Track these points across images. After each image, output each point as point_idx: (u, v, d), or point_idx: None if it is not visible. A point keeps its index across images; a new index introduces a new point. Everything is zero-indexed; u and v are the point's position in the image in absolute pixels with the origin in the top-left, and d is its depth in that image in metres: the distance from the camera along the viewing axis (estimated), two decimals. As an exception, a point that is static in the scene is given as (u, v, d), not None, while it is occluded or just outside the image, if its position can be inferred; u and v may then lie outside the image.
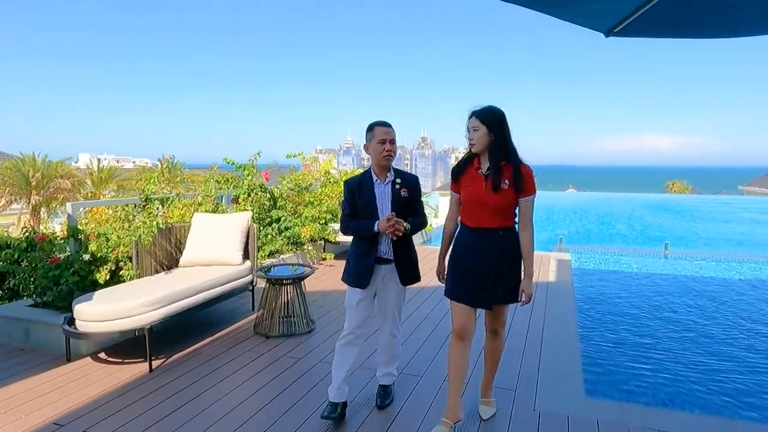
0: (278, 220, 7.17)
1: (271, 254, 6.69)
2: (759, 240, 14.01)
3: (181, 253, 4.96)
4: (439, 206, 13.44)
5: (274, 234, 6.93)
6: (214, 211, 5.90)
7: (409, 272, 3.06)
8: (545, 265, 7.48)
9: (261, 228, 6.89)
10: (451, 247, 2.89)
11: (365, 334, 3.11)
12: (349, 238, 3.09)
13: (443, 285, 2.93)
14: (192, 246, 4.84)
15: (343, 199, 3.08)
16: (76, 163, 35.39)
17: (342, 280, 3.11)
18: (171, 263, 4.93)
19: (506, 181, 2.63)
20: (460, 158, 2.93)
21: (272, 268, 4.82)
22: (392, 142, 2.96)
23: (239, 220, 5.03)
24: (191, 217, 5.23)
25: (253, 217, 5.72)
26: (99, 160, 35.38)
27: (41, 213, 26.00)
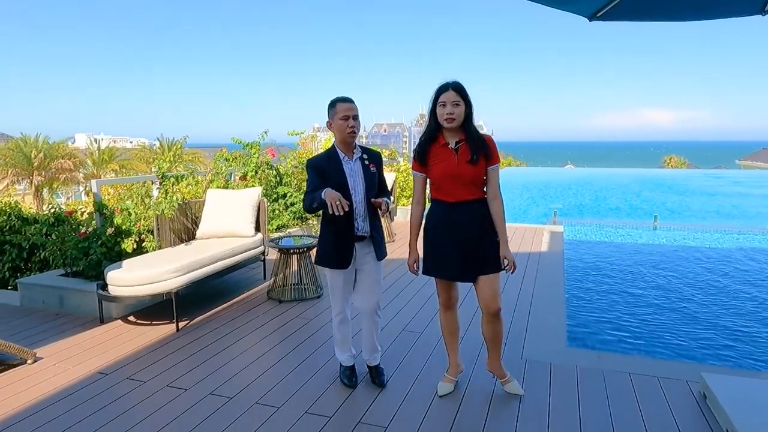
0: (284, 195, 7.53)
1: (278, 228, 7.07)
2: (749, 213, 14.42)
3: (197, 226, 5.32)
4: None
5: (281, 209, 7.30)
6: (224, 188, 6.25)
7: (381, 246, 3.08)
8: (538, 237, 7.87)
9: (269, 203, 7.25)
10: (424, 225, 2.91)
11: (349, 309, 3.19)
12: None
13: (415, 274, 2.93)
14: (207, 219, 5.21)
15: (307, 178, 2.98)
16: (73, 143, 35.44)
17: (317, 263, 3.07)
18: (188, 236, 5.31)
19: (479, 153, 2.70)
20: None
21: (282, 240, 5.21)
22: (355, 117, 2.90)
23: (250, 196, 5.39)
24: (204, 193, 5.59)
25: (261, 193, 6.07)
26: (96, 140, 35.37)
27: (43, 193, 26.30)
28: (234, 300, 4.93)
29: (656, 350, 4.27)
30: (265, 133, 7.52)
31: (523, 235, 8.02)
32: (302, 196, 7.60)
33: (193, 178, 6.07)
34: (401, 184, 9.78)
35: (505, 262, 2.77)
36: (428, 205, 2.93)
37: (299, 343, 3.89)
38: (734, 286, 6.00)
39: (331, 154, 2.96)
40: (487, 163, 2.74)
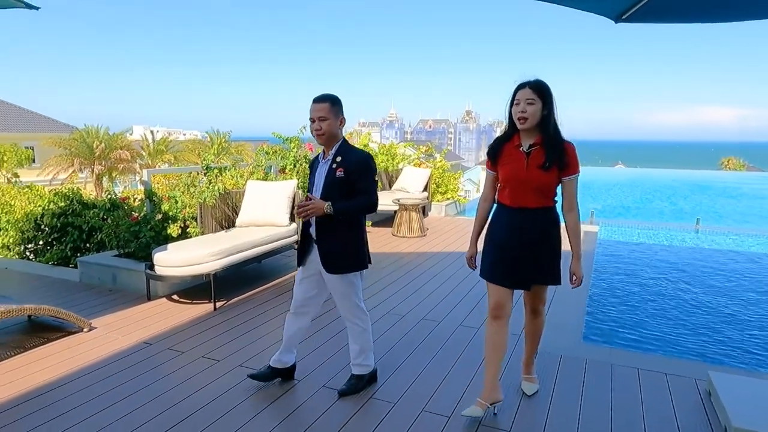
0: (321, 189, 7.85)
1: (314, 219, 7.40)
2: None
3: (236, 214, 5.70)
4: (481, 181, 13.74)
5: (316, 201, 7.62)
6: (264, 180, 6.62)
7: (332, 258, 2.85)
8: (571, 236, 7.86)
9: (303, 196, 7.59)
10: (487, 226, 2.81)
11: (311, 313, 3.11)
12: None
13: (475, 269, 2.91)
14: (246, 209, 5.57)
15: None
16: (131, 135, 37.31)
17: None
18: (228, 223, 5.70)
19: (554, 159, 2.55)
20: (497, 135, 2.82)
21: (315, 230, 5.51)
22: (321, 119, 2.77)
23: (286, 188, 5.72)
24: (245, 184, 5.97)
25: (297, 185, 6.40)
26: (152, 132, 37.10)
27: (103, 182, 27.96)
28: (267, 284, 5.28)
29: (676, 353, 4.28)
30: (304, 128, 7.84)
31: (555, 233, 8.03)
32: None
33: (236, 169, 6.46)
34: (436, 180, 9.92)
35: (573, 278, 2.70)
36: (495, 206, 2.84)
37: (323, 326, 4.17)
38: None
39: (320, 154, 2.98)
40: (561, 172, 2.58)
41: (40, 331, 4.00)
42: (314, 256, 2.92)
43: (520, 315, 3.30)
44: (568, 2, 3.60)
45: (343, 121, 2.88)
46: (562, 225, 2.74)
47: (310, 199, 2.78)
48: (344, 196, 2.79)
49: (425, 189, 9.10)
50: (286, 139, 7.75)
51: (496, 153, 2.72)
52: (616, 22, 3.93)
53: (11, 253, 6.46)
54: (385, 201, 8.27)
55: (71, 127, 31.70)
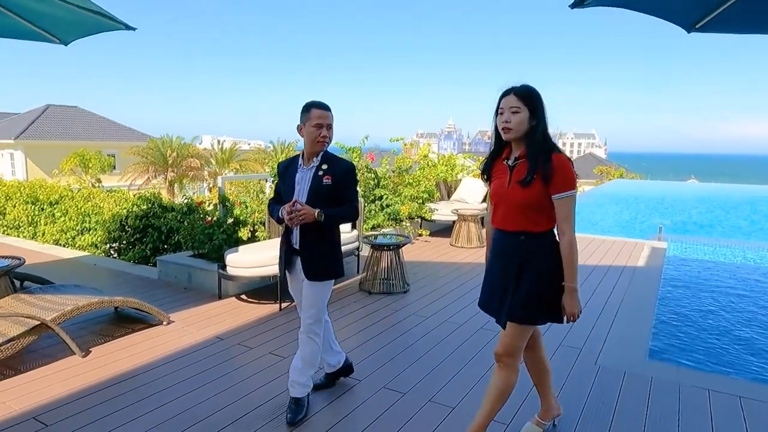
0: (380, 198, 8.02)
1: (373, 228, 7.57)
2: None
3: (301, 221, 5.95)
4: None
5: (376, 210, 7.80)
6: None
7: (315, 266, 2.79)
8: (637, 252, 7.57)
9: (365, 204, 7.79)
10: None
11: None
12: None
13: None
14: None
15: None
16: (200, 144, 39.37)
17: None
18: (293, 229, 5.96)
19: (536, 173, 2.22)
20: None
21: (376, 238, 5.66)
22: (329, 128, 2.74)
23: (349, 195, 5.92)
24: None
25: (360, 194, 6.60)
26: (219, 141, 38.97)
27: (174, 188, 29.67)
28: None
29: (750, 376, 4.04)
30: (366, 138, 8.07)
31: (621, 248, 7.77)
32: (397, 199, 8.11)
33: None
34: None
35: (565, 312, 2.31)
36: None
37: (384, 330, 4.28)
38: None
39: (294, 159, 2.89)
40: (548, 188, 2.21)
41: (125, 322, 4.37)
42: (297, 264, 2.86)
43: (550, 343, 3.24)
44: (643, 9, 3.58)
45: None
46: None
47: (295, 205, 2.66)
48: (327, 203, 2.73)
49: (484, 200, 9.06)
50: (349, 149, 8.00)
51: (487, 169, 2.47)
52: (688, 32, 3.85)
53: (98, 250, 7.05)
54: (444, 211, 8.33)
55: (147, 136, 33.92)
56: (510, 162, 2.35)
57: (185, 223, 5.96)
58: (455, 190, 9.48)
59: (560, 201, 2.23)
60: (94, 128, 33.95)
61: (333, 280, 2.90)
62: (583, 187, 32.07)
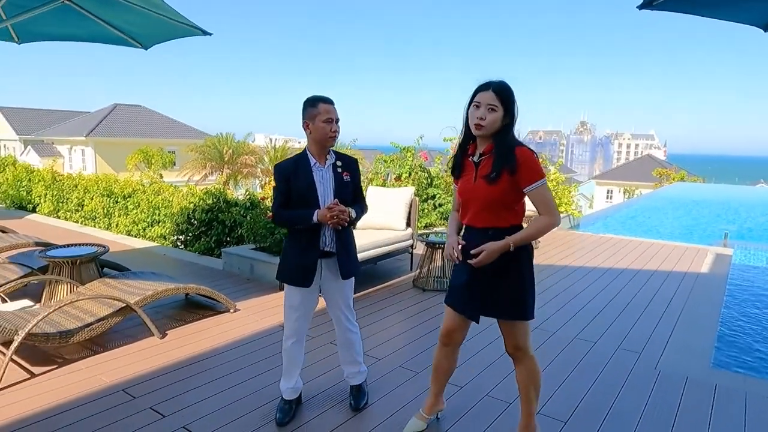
0: (433, 197, 8.10)
1: (426, 226, 7.67)
2: None
3: (357, 218, 6.13)
4: (594, 196, 13.08)
5: (429, 209, 7.89)
6: (382, 186, 7.02)
7: (350, 264, 2.81)
8: (700, 258, 7.30)
9: (419, 203, 7.90)
10: None
11: (306, 332, 2.94)
12: None
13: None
14: (368, 212, 5.96)
15: (274, 185, 2.76)
16: (253, 141, 40.73)
17: (277, 278, 2.84)
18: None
19: (503, 168, 2.22)
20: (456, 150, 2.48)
21: (429, 236, 5.75)
22: (338, 121, 2.67)
23: (404, 194, 6.03)
24: (365, 190, 6.39)
25: (414, 193, 6.71)
26: (271, 139, 40.07)
27: (229, 185, 30.80)
28: (383, 285, 5.61)
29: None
30: (420, 138, 8.18)
31: (682, 254, 7.50)
32: (450, 198, 8.16)
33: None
34: (549, 192, 9.73)
35: (480, 256, 2.23)
36: None
37: (438, 326, 4.37)
38: None
39: (300, 159, 2.70)
40: (516, 182, 2.22)
41: (195, 308, 4.67)
42: (322, 270, 2.77)
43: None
44: (716, 14, 3.51)
45: None
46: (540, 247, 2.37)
47: (336, 206, 2.61)
48: (349, 201, 2.74)
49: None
50: (404, 149, 8.13)
51: (457, 166, 2.43)
52: (765, 31, 3.75)
53: (167, 241, 7.50)
54: (496, 211, 8.31)
55: (205, 134, 35.36)
56: (475, 158, 2.34)
57: (248, 218, 6.26)
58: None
59: (533, 192, 2.23)
60: (156, 126, 35.75)
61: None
62: (640, 190, 30.88)
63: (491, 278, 2.30)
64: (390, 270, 6.19)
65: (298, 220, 2.66)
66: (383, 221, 5.89)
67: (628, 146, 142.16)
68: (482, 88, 2.26)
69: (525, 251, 2.32)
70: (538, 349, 3.85)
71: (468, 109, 2.30)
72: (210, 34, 4.34)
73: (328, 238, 2.71)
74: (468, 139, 2.38)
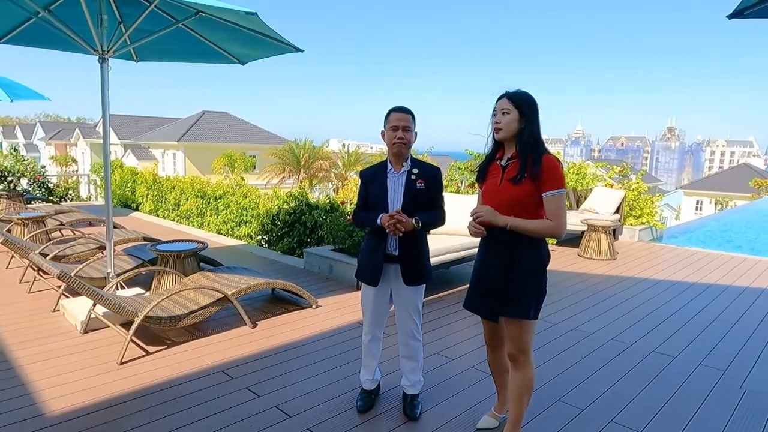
0: (507, 204, 8.11)
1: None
2: None
3: (431, 223, 6.31)
4: (681, 206, 12.38)
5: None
6: (456, 193, 7.16)
7: (414, 271, 2.87)
8: (800, 276, 6.77)
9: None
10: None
11: (382, 330, 3.08)
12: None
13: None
14: (441, 218, 6.15)
15: (358, 189, 2.98)
16: (327, 147, 42.09)
17: (355, 276, 3.07)
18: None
19: (526, 172, 2.37)
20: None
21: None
22: (406, 129, 2.79)
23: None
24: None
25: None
26: (345, 144, 41.15)
27: (305, 188, 32.01)
28: (456, 289, 5.75)
29: None
30: (495, 145, 8.21)
31: (778, 271, 7.00)
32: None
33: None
34: (629, 202, 9.38)
35: (481, 216, 2.42)
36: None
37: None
38: None
39: (380, 165, 2.93)
40: (537, 186, 2.37)
41: (280, 302, 5.06)
42: (390, 272, 2.88)
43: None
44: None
45: (416, 136, 2.91)
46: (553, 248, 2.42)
47: (397, 214, 2.71)
48: (421, 207, 2.82)
49: (617, 211, 8.70)
50: (477, 156, 8.21)
51: (483, 171, 2.58)
52: None
53: (252, 240, 8.09)
54: (572, 221, 8.16)
55: (283, 139, 37.04)
56: (503, 162, 2.49)
57: (328, 220, 6.64)
58: (584, 199, 9.21)
59: (549, 198, 2.37)
60: (239, 132, 37.96)
61: (425, 285, 2.99)
62: (735, 201, 28.54)
63: (498, 273, 2.45)
64: (462, 275, 6.31)
65: (367, 222, 2.86)
66: (456, 227, 6.01)
67: (722, 154, 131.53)
68: (499, 98, 2.48)
69: (531, 249, 2.43)
70: (612, 361, 3.85)
71: (491, 120, 2.52)
72: (302, 51, 4.72)
73: (393, 242, 2.84)
74: (495, 148, 2.56)
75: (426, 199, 2.85)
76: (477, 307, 2.59)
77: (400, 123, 2.79)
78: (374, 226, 2.81)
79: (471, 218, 2.51)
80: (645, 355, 3.99)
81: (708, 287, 6.05)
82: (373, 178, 2.92)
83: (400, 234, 2.74)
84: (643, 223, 9.41)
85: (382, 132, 2.88)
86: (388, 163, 2.90)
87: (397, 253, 2.84)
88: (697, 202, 37.23)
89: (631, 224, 9.33)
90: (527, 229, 2.38)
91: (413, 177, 2.83)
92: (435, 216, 2.90)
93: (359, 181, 3.07)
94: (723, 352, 4.06)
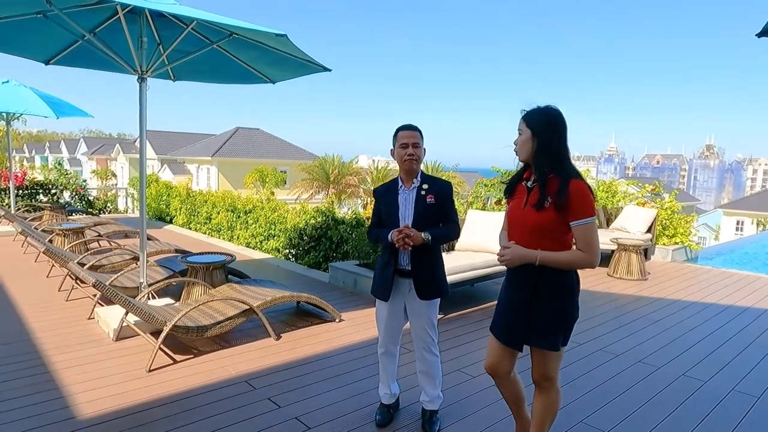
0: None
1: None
2: None
3: (456, 239, 6.31)
4: (721, 226, 11.99)
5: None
6: (482, 209, 7.14)
7: (427, 286, 2.89)
8: None
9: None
10: None
11: (397, 344, 3.13)
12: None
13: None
14: (466, 235, 6.14)
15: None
16: (356, 163, 42.57)
17: (370, 291, 3.14)
18: (449, 246, 6.34)
19: (549, 198, 2.22)
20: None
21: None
22: (415, 146, 2.84)
23: (502, 218, 6.11)
24: (465, 213, 6.56)
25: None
26: (374, 161, 41.49)
27: (334, 204, 32.31)
28: (480, 306, 5.71)
29: None
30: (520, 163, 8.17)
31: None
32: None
33: (457, 199, 7.13)
34: (662, 221, 9.15)
35: (506, 255, 2.30)
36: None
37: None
38: None
39: (392, 182, 2.99)
40: (563, 214, 2.22)
41: (304, 315, 5.14)
42: (403, 287, 2.92)
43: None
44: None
45: (425, 152, 2.95)
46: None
47: (405, 228, 2.76)
48: (432, 222, 2.86)
49: (649, 230, 8.50)
50: (504, 173, 8.19)
51: (510, 188, 2.48)
52: None
53: (279, 254, 8.23)
54: (603, 239, 8.01)
55: (313, 155, 37.61)
56: (529, 184, 2.36)
57: (353, 236, 6.71)
58: (615, 217, 9.03)
59: (579, 227, 2.21)
60: (271, 147, 38.78)
61: (439, 299, 3.00)
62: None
63: (523, 301, 2.33)
64: (487, 292, 6.27)
65: (380, 238, 2.92)
66: (481, 244, 6.01)
67: (765, 173, 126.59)
68: (521, 118, 2.37)
69: (560, 279, 2.29)
70: (639, 383, 3.76)
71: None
72: (329, 70, 4.86)
73: (405, 257, 2.88)
74: (525, 166, 2.43)
75: (437, 213, 2.89)
76: (506, 337, 2.44)
77: (409, 140, 2.85)
78: (386, 242, 2.86)
79: (498, 251, 2.42)
80: (674, 379, 3.88)
81: (744, 310, 5.83)
82: (386, 194, 2.99)
83: (409, 248, 2.78)
84: (676, 243, 9.15)
85: (392, 150, 2.95)
86: (399, 180, 2.96)
87: (410, 268, 2.88)
88: (738, 223, 35.87)
89: (663, 244, 9.09)
90: (559, 261, 2.25)
91: (423, 192, 2.88)
92: (447, 230, 2.92)
93: None
94: (758, 378, 3.91)
